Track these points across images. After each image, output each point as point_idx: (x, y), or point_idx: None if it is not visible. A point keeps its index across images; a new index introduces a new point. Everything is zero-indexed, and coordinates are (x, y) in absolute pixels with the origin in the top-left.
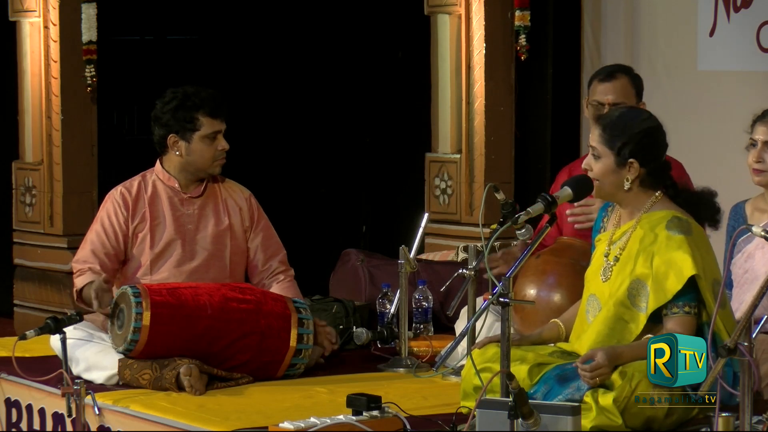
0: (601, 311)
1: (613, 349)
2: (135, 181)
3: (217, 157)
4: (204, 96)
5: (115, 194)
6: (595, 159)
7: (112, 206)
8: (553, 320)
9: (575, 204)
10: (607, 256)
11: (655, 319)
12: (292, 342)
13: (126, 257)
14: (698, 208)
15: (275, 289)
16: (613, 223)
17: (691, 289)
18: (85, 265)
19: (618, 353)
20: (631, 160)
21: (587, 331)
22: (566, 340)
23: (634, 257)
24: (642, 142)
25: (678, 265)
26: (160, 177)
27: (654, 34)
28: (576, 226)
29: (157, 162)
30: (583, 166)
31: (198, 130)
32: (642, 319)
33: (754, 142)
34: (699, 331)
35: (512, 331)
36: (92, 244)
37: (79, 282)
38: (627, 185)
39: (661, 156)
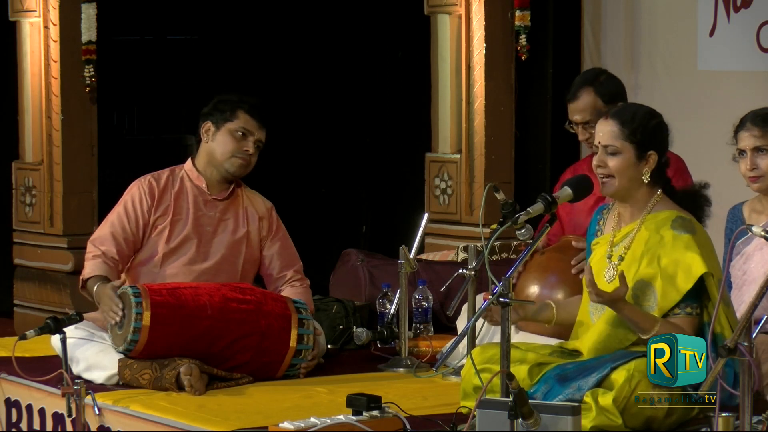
0: (605, 311)
1: (624, 299)
2: (164, 174)
3: (236, 154)
4: (252, 99)
5: (142, 182)
6: (612, 156)
7: (138, 192)
8: (548, 301)
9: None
10: (610, 257)
11: None
12: (292, 342)
13: (141, 246)
14: (692, 202)
15: (287, 291)
16: (612, 226)
17: (694, 289)
18: (100, 248)
19: (627, 304)
20: (650, 152)
21: (590, 330)
22: (555, 325)
23: (639, 258)
24: (659, 135)
25: (687, 264)
26: (189, 175)
27: (654, 34)
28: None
29: (189, 160)
30: (595, 163)
31: (231, 121)
32: None
33: (742, 151)
34: (702, 332)
35: (512, 328)
36: (112, 227)
37: (88, 267)
38: (646, 178)
39: (667, 149)
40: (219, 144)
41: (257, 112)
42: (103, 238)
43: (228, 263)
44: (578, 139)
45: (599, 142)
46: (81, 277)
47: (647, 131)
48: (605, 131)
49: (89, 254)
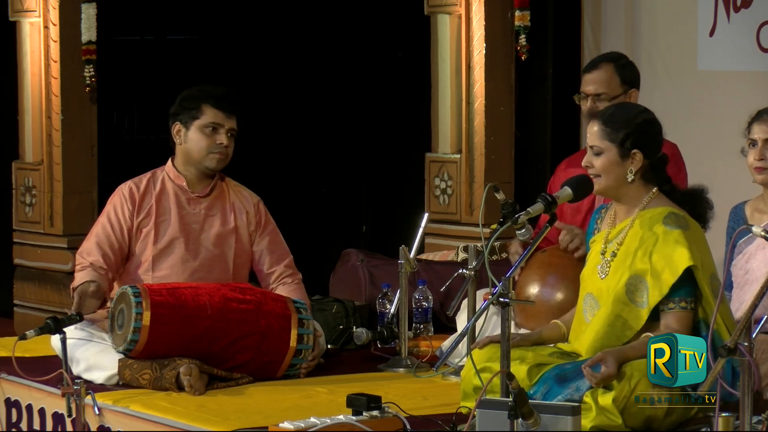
0: (599, 309)
1: (619, 352)
2: (144, 178)
3: (212, 150)
4: (215, 91)
5: (123, 189)
6: (597, 156)
7: (119, 200)
8: (553, 321)
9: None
10: (603, 253)
11: (654, 316)
12: (292, 342)
13: (129, 253)
14: (693, 204)
15: (281, 291)
16: (608, 223)
17: (687, 283)
18: (87, 259)
19: (624, 356)
20: (634, 151)
21: (586, 330)
22: (567, 339)
23: (632, 253)
24: (644, 133)
25: (674, 259)
26: (169, 175)
27: (654, 34)
28: (570, 246)
29: (169, 160)
30: (583, 164)
31: (198, 118)
32: (642, 315)
33: (754, 141)
34: (696, 329)
35: (513, 327)
36: (97, 237)
37: (78, 277)
38: (631, 177)
39: (660, 148)
40: (193, 143)
41: (222, 102)
42: (90, 249)
43: (219, 259)
44: (581, 114)
45: (587, 143)
46: (71, 287)
47: (630, 130)
48: (591, 132)
49: (78, 266)
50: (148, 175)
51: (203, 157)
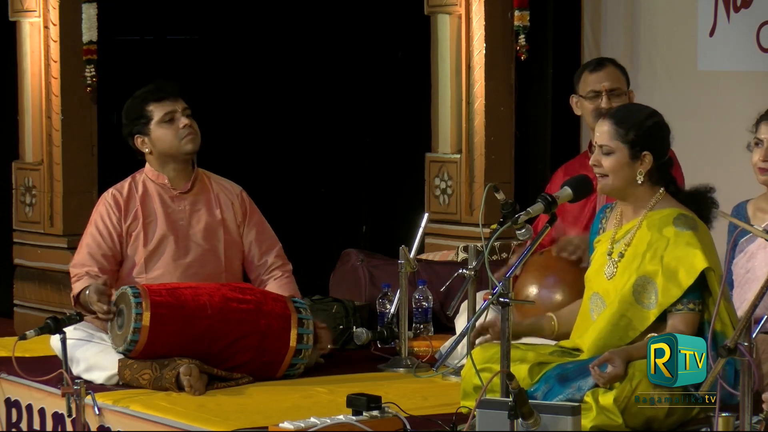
0: (605, 309)
1: (625, 352)
2: (125, 183)
3: (181, 136)
4: (146, 90)
5: (106, 197)
6: (606, 155)
7: (104, 208)
8: (548, 314)
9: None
10: (610, 254)
11: (659, 317)
12: (292, 342)
13: (122, 258)
14: (698, 204)
15: (272, 286)
16: (614, 223)
17: (696, 285)
18: (82, 269)
19: (630, 356)
20: (644, 153)
21: (590, 328)
22: (557, 337)
23: (641, 254)
24: (655, 135)
25: (689, 260)
26: (149, 176)
27: (654, 34)
28: (564, 254)
29: (147, 163)
30: (591, 162)
31: (152, 119)
32: (649, 317)
33: (760, 141)
34: (701, 330)
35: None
36: (89, 247)
37: (76, 287)
38: (640, 179)
39: (668, 150)
40: (161, 141)
41: (159, 93)
42: (82, 261)
43: (210, 253)
44: (576, 114)
45: (596, 142)
46: (71, 296)
47: (641, 132)
48: (601, 131)
49: (73, 277)
50: (128, 179)
51: (177, 144)
